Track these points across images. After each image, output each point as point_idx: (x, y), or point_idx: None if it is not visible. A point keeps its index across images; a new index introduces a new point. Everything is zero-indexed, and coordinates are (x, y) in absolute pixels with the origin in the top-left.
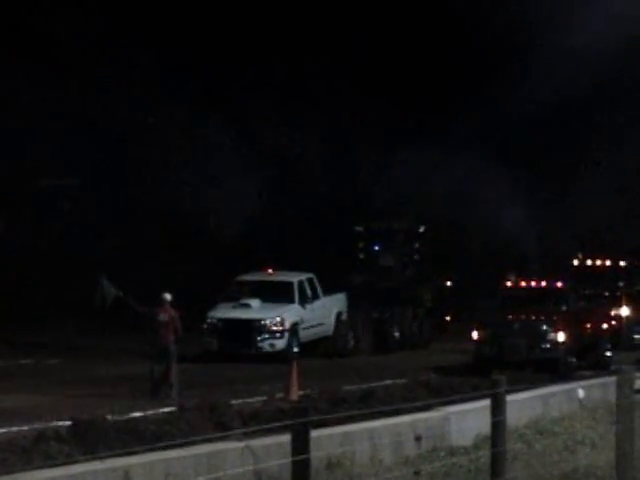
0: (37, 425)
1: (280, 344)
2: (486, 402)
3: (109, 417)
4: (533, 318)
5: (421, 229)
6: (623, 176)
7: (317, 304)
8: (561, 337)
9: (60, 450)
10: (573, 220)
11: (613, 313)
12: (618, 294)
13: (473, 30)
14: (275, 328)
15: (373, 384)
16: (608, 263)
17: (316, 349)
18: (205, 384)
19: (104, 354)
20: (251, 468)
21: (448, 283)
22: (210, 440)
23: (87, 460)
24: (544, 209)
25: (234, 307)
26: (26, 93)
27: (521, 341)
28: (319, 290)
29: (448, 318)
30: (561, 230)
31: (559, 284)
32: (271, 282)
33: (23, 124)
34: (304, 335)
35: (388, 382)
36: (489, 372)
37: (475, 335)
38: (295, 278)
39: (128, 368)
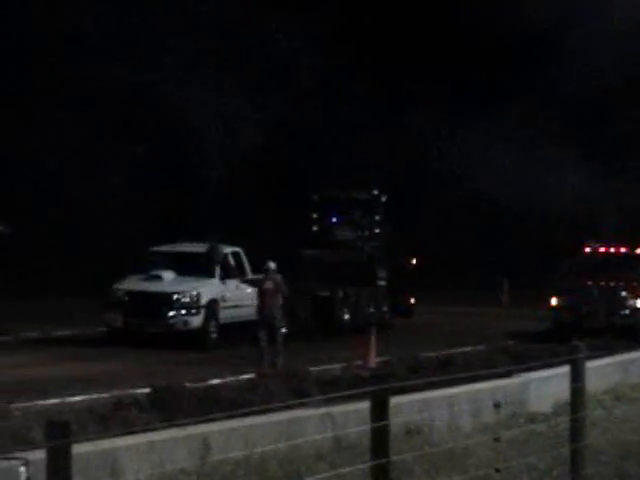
0: (116, 392)
1: (195, 322)
2: (565, 368)
3: (188, 384)
4: (612, 284)
5: (383, 199)
6: None
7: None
8: None
9: (139, 417)
10: None
11: None
12: None
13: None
14: (189, 303)
15: (452, 350)
16: None
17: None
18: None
19: None
20: (330, 435)
21: (413, 261)
22: (290, 407)
23: (167, 427)
24: (621, 175)
25: (144, 279)
26: None
27: (600, 307)
28: (247, 267)
29: (413, 300)
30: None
31: (638, 250)
32: (190, 254)
33: None
34: (225, 315)
35: (467, 349)
36: (568, 339)
37: (553, 301)
38: None
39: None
